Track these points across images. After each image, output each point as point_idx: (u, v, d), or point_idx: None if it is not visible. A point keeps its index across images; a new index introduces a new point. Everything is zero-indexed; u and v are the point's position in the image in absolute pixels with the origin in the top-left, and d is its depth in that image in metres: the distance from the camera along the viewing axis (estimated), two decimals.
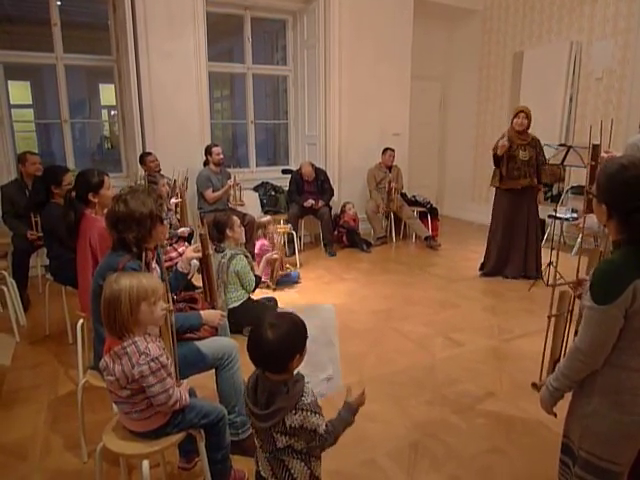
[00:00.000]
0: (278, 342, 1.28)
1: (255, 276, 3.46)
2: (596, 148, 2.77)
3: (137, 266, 1.80)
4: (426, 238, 5.81)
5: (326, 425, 1.33)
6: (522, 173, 4.31)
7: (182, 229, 3.86)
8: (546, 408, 1.50)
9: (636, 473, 1.50)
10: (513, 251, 4.50)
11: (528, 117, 4.27)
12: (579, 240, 5.27)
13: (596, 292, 1.28)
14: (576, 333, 1.80)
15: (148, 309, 1.54)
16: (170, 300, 1.69)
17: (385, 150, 5.94)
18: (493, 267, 4.62)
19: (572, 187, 5.68)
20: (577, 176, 5.64)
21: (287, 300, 4.01)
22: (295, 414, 1.28)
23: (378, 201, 5.88)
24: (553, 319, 1.88)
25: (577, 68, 5.68)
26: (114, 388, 1.54)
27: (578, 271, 1.83)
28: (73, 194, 2.58)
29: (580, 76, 5.68)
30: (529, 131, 4.35)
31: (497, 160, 4.35)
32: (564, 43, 5.72)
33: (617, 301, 1.24)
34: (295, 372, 1.36)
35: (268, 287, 4.29)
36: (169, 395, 1.54)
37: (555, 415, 1.50)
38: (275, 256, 4.22)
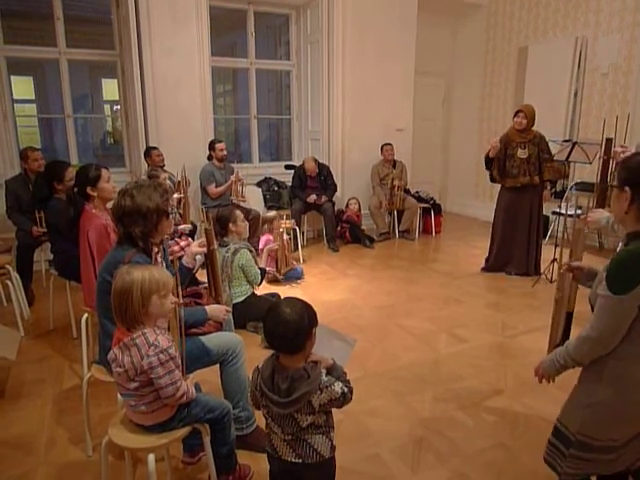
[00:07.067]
0: (296, 318, 1.37)
1: (260, 268, 3.46)
2: (609, 142, 2.76)
3: (142, 260, 1.80)
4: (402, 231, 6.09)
5: (342, 382, 1.42)
6: (521, 171, 4.30)
7: (183, 226, 3.85)
8: (547, 378, 1.53)
9: None
10: (515, 248, 4.49)
11: (527, 116, 4.22)
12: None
13: (613, 282, 1.27)
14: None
15: (158, 301, 1.55)
16: (179, 294, 1.69)
17: (383, 146, 5.94)
18: (493, 263, 4.64)
19: (576, 183, 5.65)
20: (581, 172, 5.61)
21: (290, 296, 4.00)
22: (321, 394, 1.38)
23: (381, 197, 5.88)
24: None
25: (582, 63, 5.64)
26: (122, 380, 1.55)
27: (561, 254, 1.85)
28: (75, 190, 2.60)
29: (585, 71, 5.64)
30: (534, 128, 4.31)
31: (487, 162, 4.41)
32: (569, 38, 5.68)
33: (634, 291, 1.24)
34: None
35: (275, 279, 4.29)
36: (177, 387, 1.54)
37: (553, 380, 1.54)
38: (275, 247, 4.23)
